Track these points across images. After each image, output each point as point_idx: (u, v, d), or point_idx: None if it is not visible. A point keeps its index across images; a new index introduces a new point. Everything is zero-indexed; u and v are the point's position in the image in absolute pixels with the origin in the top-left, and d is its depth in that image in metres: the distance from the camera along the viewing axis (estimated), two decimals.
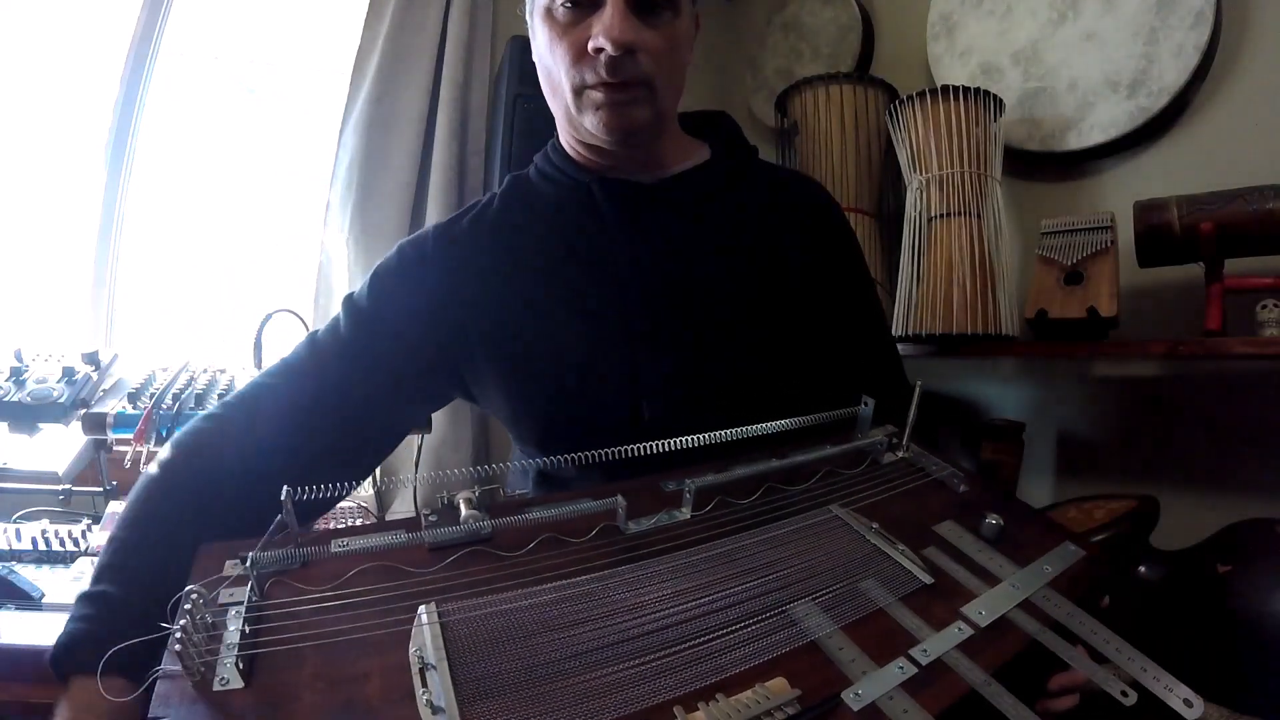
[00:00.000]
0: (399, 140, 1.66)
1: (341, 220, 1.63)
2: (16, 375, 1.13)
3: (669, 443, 0.57)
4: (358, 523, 1.35)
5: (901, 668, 0.45)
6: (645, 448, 0.56)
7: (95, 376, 1.16)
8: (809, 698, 0.42)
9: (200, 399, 1.13)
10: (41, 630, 0.78)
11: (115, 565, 0.57)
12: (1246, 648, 0.88)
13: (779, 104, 1.64)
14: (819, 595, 0.50)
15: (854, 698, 0.43)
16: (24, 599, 0.84)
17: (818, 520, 0.58)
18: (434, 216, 1.67)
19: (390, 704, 0.39)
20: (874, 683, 0.44)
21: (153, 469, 0.63)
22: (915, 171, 1.36)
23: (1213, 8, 1.17)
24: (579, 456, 0.55)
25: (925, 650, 0.46)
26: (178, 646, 0.39)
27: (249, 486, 0.53)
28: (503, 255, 0.76)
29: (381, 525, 0.53)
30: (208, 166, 1.76)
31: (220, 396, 1.13)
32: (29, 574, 0.89)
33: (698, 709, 0.39)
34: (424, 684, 0.39)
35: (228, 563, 0.47)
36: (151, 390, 1.14)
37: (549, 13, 0.69)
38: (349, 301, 0.77)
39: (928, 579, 0.52)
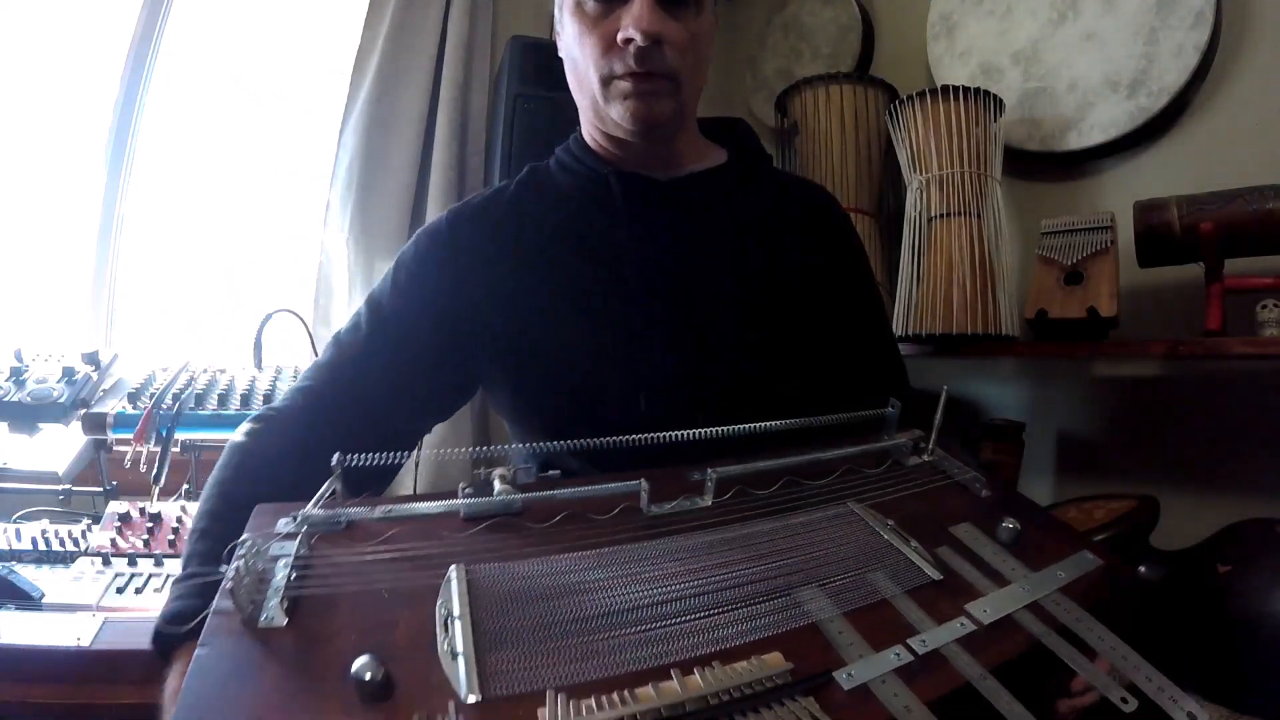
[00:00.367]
0: (399, 140, 1.66)
1: (341, 220, 1.63)
2: (16, 375, 1.13)
3: (687, 433, 0.59)
4: None
5: (898, 654, 0.46)
6: (662, 438, 0.57)
7: (95, 376, 1.16)
8: (802, 673, 0.43)
9: (200, 399, 1.13)
10: (41, 630, 0.78)
11: (202, 552, 0.61)
12: (1246, 648, 0.88)
13: (779, 104, 1.65)
14: (826, 582, 0.51)
15: (846, 677, 0.44)
16: (24, 599, 0.83)
17: (834, 514, 0.59)
18: (434, 216, 1.66)
19: (414, 649, 0.42)
20: (868, 666, 0.45)
21: (220, 471, 0.68)
22: (915, 171, 1.36)
23: (1213, 8, 1.17)
24: (588, 443, 0.57)
25: (924, 640, 0.47)
26: (229, 585, 0.43)
27: (301, 478, 0.56)
28: (513, 240, 0.78)
29: (422, 496, 0.57)
30: (208, 166, 1.76)
31: (220, 396, 1.13)
32: (29, 574, 0.88)
33: (694, 674, 0.41)
34: (446, 632, 0.43)
35: (281, 520, 0.52)
36: (151, 390, 1.14)
37: (579, 6, 0.72)
38: (369, 297, 0.80)
39: (936, 575, 0.53)
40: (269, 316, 1.32)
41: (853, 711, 0.42)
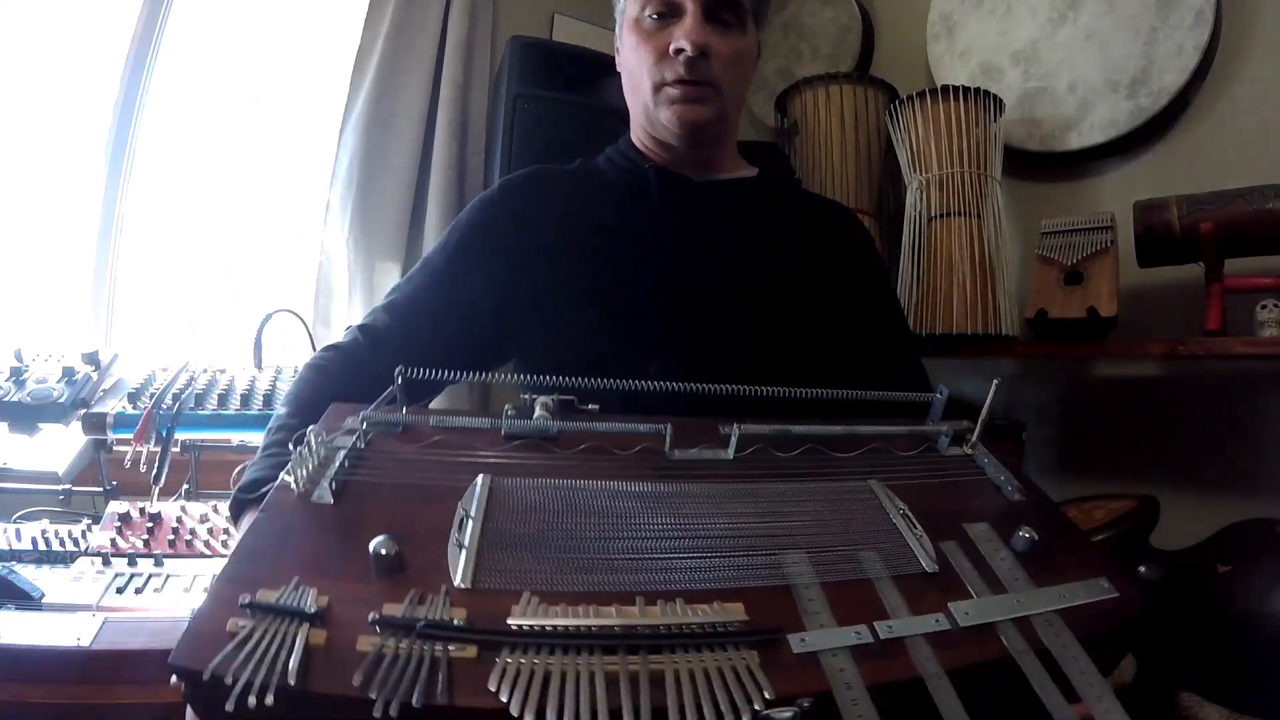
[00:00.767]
0: (399, 140, 1.66)
1: (341, 220, 1.63)
2: (16, 375, 1.13)
3: (722, 388, 0.60)
4: None
5: (859, 633, 0.45)
6: (696, 388, 0.60)
7: (95, 376, 1.16)
8: (756, 627, 0.44)
9: (200, 399, 1.13)
10: (41, 630, 0.78)
11: (280, 440, 0.69)
12: (1246, 648, 0.88)
13: (779, 104, 1.65)
14: (815, 550, 0.52)
15: (799, 642, 0.44)
16: (24, 599, 0.83)
17: (850, 488, 0.59)
18: (434, 216, 1.67)
19: (431, 538, 0.48)
20: (825, 636, 0.45)
21: (298, 385, 0.78)
22: (915, 171, 1.36)
23: (1213, 8, 1.17)
24: (623, 384, 0.60)
25: (890, 626, 0.46)
26: (293, 465, 0.51)
27: (364, 396, 0.63)
28: (554, 218, 0.84)
29: (472, 412, 0.63)
30: (208, 167, 1.75)
31: (220, 396, 1.13)
32: (29, 574, 0.88)
33: (655, 604, 0.45)
34: (459, 529, 0.49)
35: (348, 418, 0.60)
36: (151, 390, 1.14)
37: (637, 23, 0.82)
38: (426, 257, 0.88)
39: (930, 568, 0.52)
40: (269, 316, 1.32)
41: (791, 673, 0.43)
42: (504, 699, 0.38)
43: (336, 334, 1.52)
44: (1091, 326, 1.13)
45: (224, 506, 1.09)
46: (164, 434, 1.07)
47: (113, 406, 1.11)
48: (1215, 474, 1.19)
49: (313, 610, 0.41)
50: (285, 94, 1.82)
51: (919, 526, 0.55)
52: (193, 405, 1.11)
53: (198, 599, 0.82)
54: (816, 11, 1.83)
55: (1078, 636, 0.48)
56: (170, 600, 0.87)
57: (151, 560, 0.95)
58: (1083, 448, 1.38)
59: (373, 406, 0.60)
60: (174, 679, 0.40)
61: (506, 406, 0.61)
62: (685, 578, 0.48)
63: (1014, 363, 1.48)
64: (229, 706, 0.37)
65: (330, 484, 0.52)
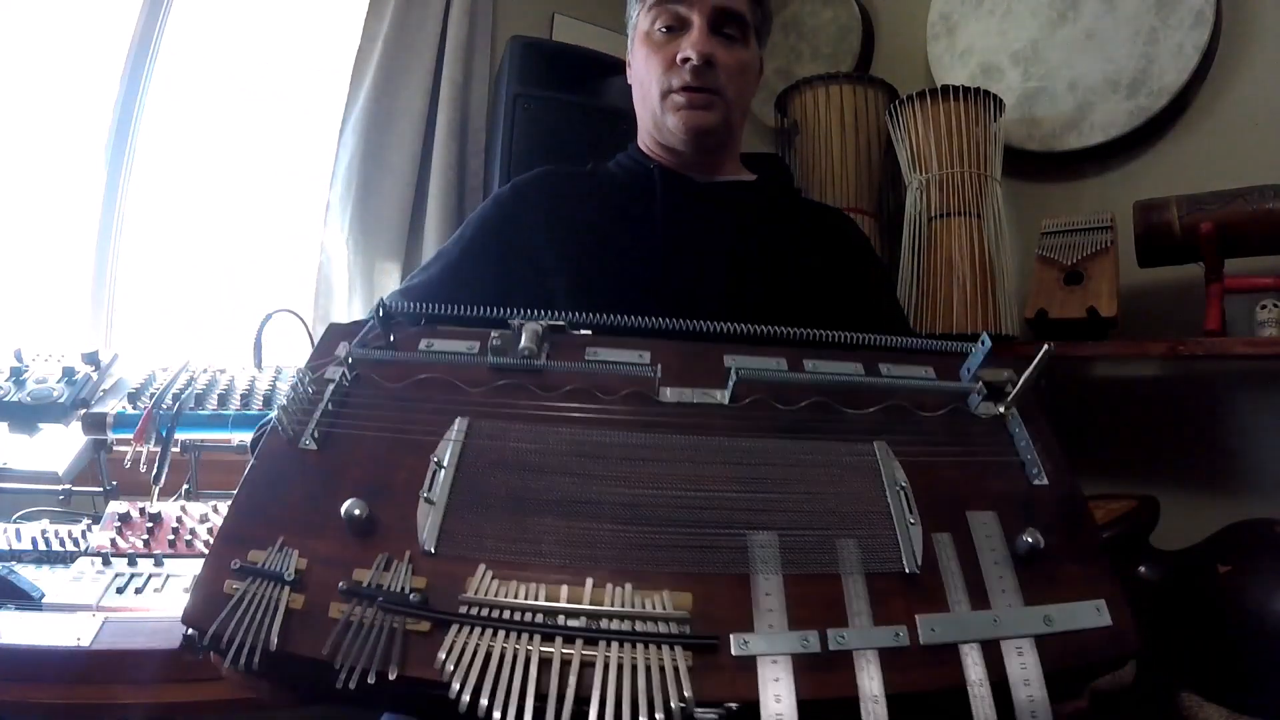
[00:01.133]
0: (399, 140, 1.66)
1: (341, 220, 1.63)
2: (16, 375, 1.13)
3: (733, 327, 0.58)
4: None
5: (806, 641, 0.44)
6: (703, 326, 0.58)
7: (95, 376, 1.16)
8: (700, 625, 0.44)
9: (200, 399, 1.13)
10: (41, 630, 0.78)
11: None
12: (1247, 648, 0.88)
13: (779, 104, 1.64)
14: (789, 533, 0.49)
15: (740, 644, 0.43)
16: (24, 599, 0.83)
17: (849, 453, 0.54)
18: (434, 216, 1.66)
19: (407, 490, 0.50)
20: (769, 640, 0.44)
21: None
22: (915, 171, 1.36)
23: (1213, 8, 1.17)
24: (639, 323, 0.58)
25: (843, 636, 0.44)
26: (283, 406, 0.54)
27: None
28: (561, 215, 0.87)
29: (462, 333, 0.61)
30: (208, 167, 1.75)
31: (220, 396, 1.13)
32: (29, 574, 0.88)
33: (605, 588, 0.45)
34: (431, 482, 0.50)
35: (341, 344, 0.59)
36: (151, 390, 1.14)
37: (647, 36, 0.87)
38: (443, 246, 0.91)
39: (911, 568, 0.48)
40: (269, 316, 1.32)
41: (722, 677, 0.42)
42: (447, 676, 0.41)
43: None
44: (1091, 326, 1.13)
45: (224, 507, 1.09)
46: (164, 434, 1.07)
47: (113, 406, 1.11)
48: (1215, 474, 1.19)
49: (292, 576, 0.45)
50: (285, 94, 1.81)
51: (914, 510, 0.50)
52: (193, 405, 1.11)
53: None
54: (816, 11, 1.82)
55: (1053, 669, 0.45)
56: (170, 600, 0.87)
57: (151, 560, 0.95)
58: (1083, 448, 1.37)
59: (356, 340, 0.60)
60: (189, 631, 0.46)
61: (493, 333, 0.58)
62: (646, 556, 0.47)
63: (1014, 362, 1.48)
64: (224, 668, 0.43)
65: (313, 432, 0.53)
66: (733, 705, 0.41)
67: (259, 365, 1.27)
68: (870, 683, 0.42)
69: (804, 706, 0.41)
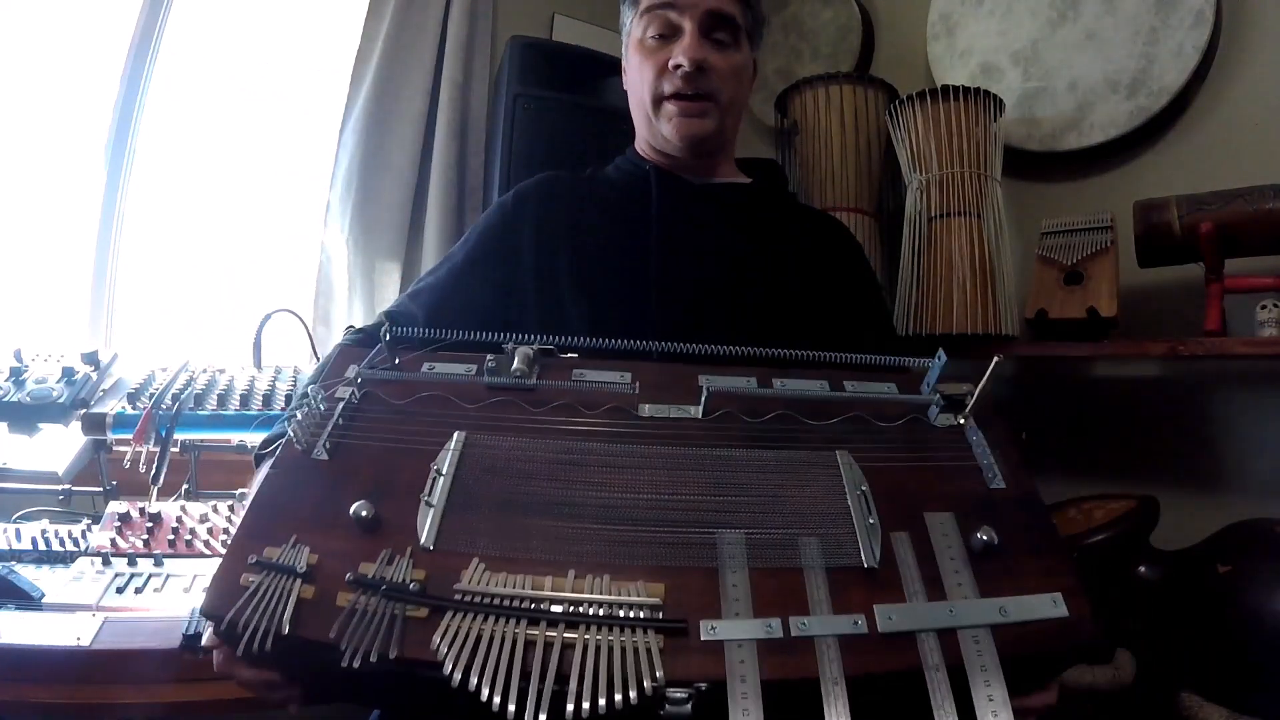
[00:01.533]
0: (399, 140, 1.66)
1: (341, 220, 1.63)
2: (16, 375, 1.13)
3: (708, 348, 0.62)
4: None
5: (770, 627, 0.47)
6: (682, 348, 0.62)
7: (95, 376, 1.16)
8: (671, 613, 0.48)
9: (200, 399, 1.13)
10: (41, 630, 0.78)
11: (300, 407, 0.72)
12: (1247, 648, 0.88)
13: (779, 104, 1.64)
14: (755, 532, 0.52)
15: (709, 629, 0.47)
16: (24, 599, 0.83)
17: (813, 460, 0.58)
18: (434, 216, 1.66)
19: (408, 493, 0.54)
20: (735, 627, 0.47)
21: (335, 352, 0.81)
22: (915, 171, 1.36)
23: (1213, 8, 1.17)
24: (618, 346, 0.63)
25: (804, 624, 0.47)
26: (297, 420, 0.58)
27: None
28: (560, 221, 0.88)
29: (461, 357, 0.66)
30: (208, 166, 1.75)
31: (220, 397, 1.13)
32: (29, 574, 0.88)
33: (585, 579, 0.49)
34: (431, 487, 0.55)
35: (350, 366, 0.65)
36: (151, 390, 1.14)
37: (640, 43, 0.88)
38: (450, 251, 0.92)
39: (869, 563, 0.51)
40: (269, 316, 1.32)
41: (692, 659, 0.45)
42: (441, 656, 0.44)
43: (336, 334, 1.53)
44: (1091, 326, 1.13)
45: (224, 506, 1.09)
46: (163, 434, 1.07)
47: (112, 406, 1.11)
48: (1215, 474, 1.19)
49: (304, 569, 0.50)
50: (285, 94, 1.81)
51: (874, 512, 0.54)
52: (192, 405, 1.11)
53: (198, 599, 0.82)
54: (816, 11, 1.82)
55: (1010, 655, 0.46)
56: (170, 600, 0.87)
57: (151, 560, 0.95)
58: (1083, 448, 1.37)
59: (365, 362, 0.65)
60: (205, 623, 0.50)
61: (488, 357, 0.64)
62: (620, 552, 0.51)
63: (1014, 362, 1.48)
64: (239, 651, 0.46)
65: (325, 443, 0.58)
66: (702, 685, 0.44)
67: (259, 365, 1.27)
68: (830, 665, 0.45)
69: (768, 686, 0.44)
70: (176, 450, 1.10)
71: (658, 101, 0.87)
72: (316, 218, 1.67)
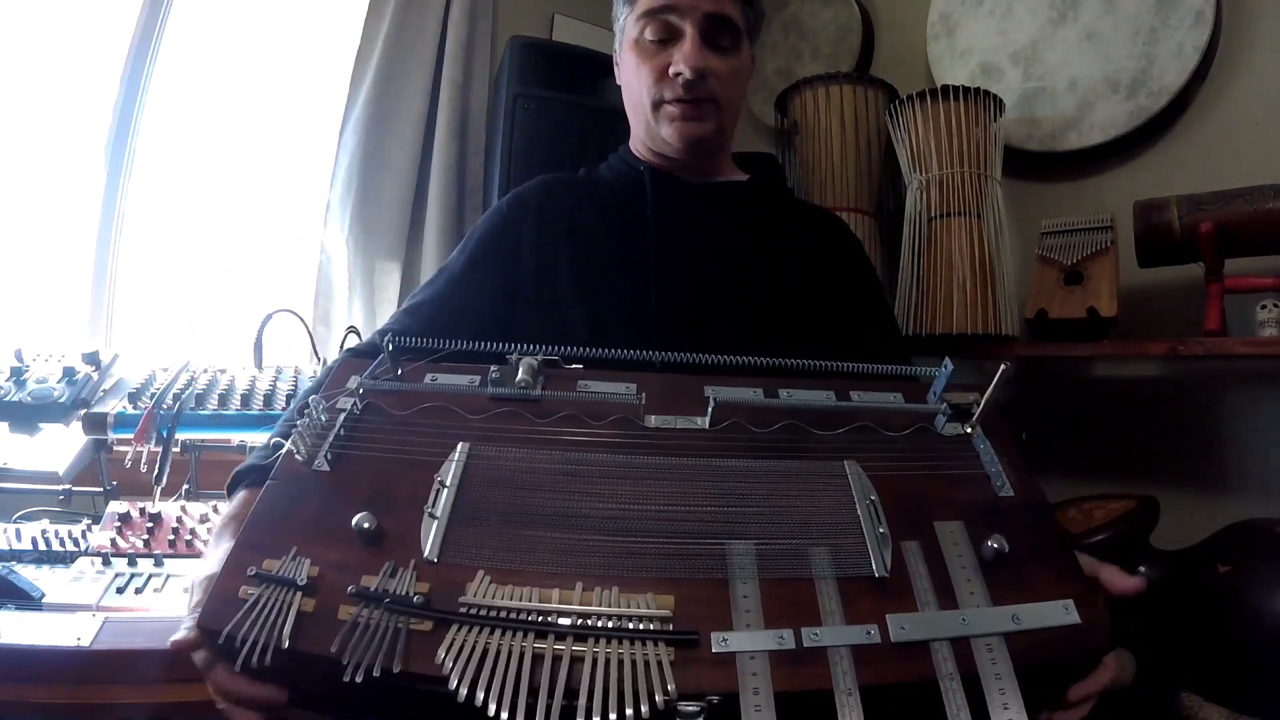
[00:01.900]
0: (399, 140, 1.66)
1: (341, 220, 1.63)
2: (16, 375, 1.13)
3: (712, 358, 0.61)
4: None
5: (782, 638, 0.46)
6: (685, 358, 0.61)
7: (95, 376, 1.16)
8: (681, 625, 0.46)
9: (200, 399, 1.13)
10: (41, 630, 0.78)
11: (283, 433, 0.70)
12: (1247, 648, 0.88)
13: (779, 104, 1.64)
14: (764, 542, 0.51)
15: (720, 641, 0.46)
16: (24, 599, 0.83)
17: (822, 470, 0.57)
18: (434, 217, 1.67)
19: (410, 504, 0.53)
20: (747, 638, 0.46)
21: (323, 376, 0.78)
22: (915, 171, 1.36)
23: (1213, 8, 1.17)
24: (619, 356, 0.61)
25: (816, 634, 0.46)
26: (299, 431, 0.57)
27: None
28: (555, 226, 0.86)
29: (464, 368, 0.65)
30: (208, 166, 1.75)
31: (221, 397, 1.13)
32: (29, 574, 0.88)
33: (594, 591, 0.48)
34: (435, 498, 0.53)
35: (352, 377, 0.64)
36: (152, 390, 1.14)
37: (637, 43, 0.85)
38: (446, 262, 0.90)
39: (881, 572, 0.50)
40: (269, 316, 1.32)
41: (703, 671, 0.44)
42: (446, 671, 0.43)
43: (337, 334, 1.53)
44: (1091, 326, 1.13)
45: (224, 507, 1.08)
46: (164, 434, 1.07)
47: (113, 406, 1.11)
48: (1215, 474, 1.19)
49: (304, 582, 0.48)
50: (285, 95, 1.81)
51: (883, 522, 0.53)
52: (193, 405, 1.11)
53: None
54: (816, 11, 1.83)
55: (1023, 664, 0.46)
56: (170, 600, 0.87)
57: (151, 560, 0.95)
58: (1083, 448, 1.38)
59: (367, 373, 0.64)
60: (197, 635, 0.49)
61: (492, 368, 0.63)
62: (632, 564, 0.50)
63: (1014, 363, 1.48)
64: (237, 665, 0.45)
65: (326, 454, 0.57)
66: (714, 697, 0.43)
67: (259, 365, 1.27)
68: (844, 676, 0.45)
69: (781, 698, 0.43)
70: (177, 450, 1.10)
71: (657, 105, 0.85)
72: (316, 218, 1.67)
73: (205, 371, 1.22)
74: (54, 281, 1.61)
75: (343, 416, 0.60)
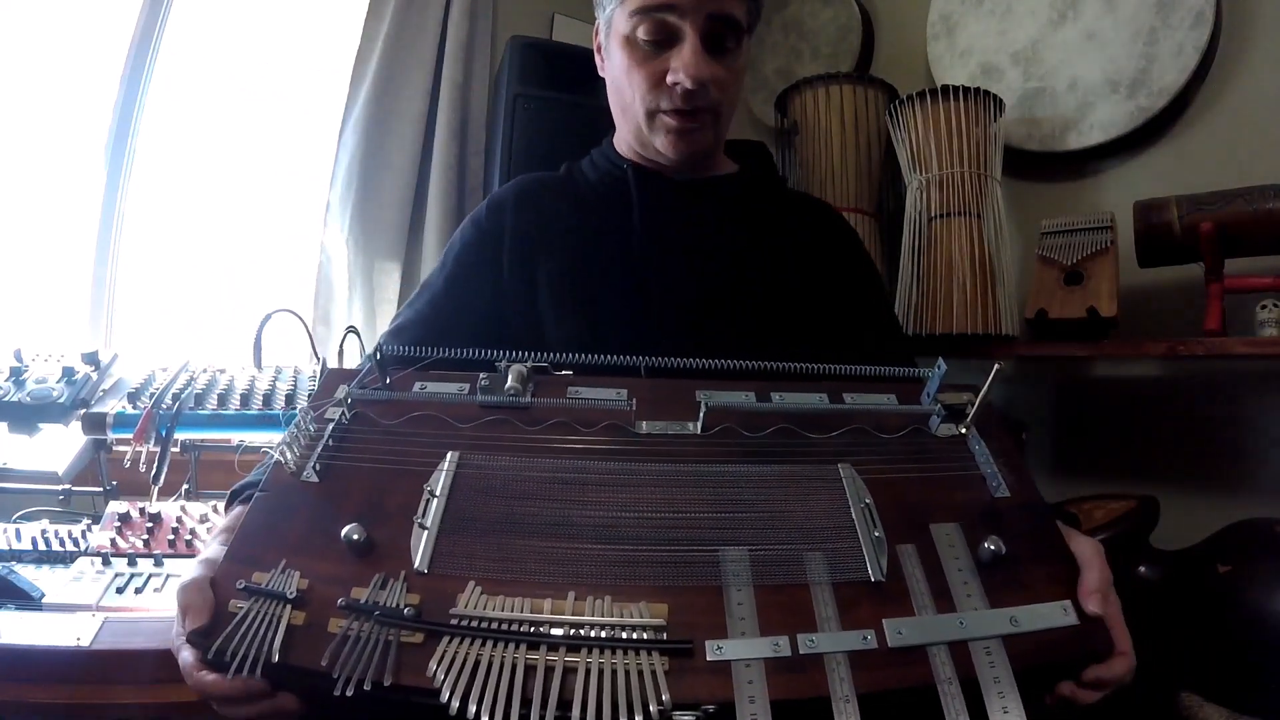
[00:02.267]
0: (399, 140, 1.66)
1: (341, 220, 1.63)
2: (16, 375, 1.13)
3: (706, 363, 0.60)
4: None
5: (777, 645, 0.46)
6: (677, 363, 0.60)
7: (95, 376, 1.16)
8: (675, 633, 0.46)
9: (200, 399, 1.13)
10: (41, 630, 0.78)
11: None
12: (1247, 648, 0.88)
13: (779, 104, 1.64)
14: (759, 548, 0.51)
15: (715, 650, 0.45)
16: (24, 599, 0.83)
17: (816, 474, 0.57)
18: (434, 217, 1.67)
19: (400, 514, 0.53)
20: (742, 646, 0.45)
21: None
22: (915, 171, 1.36)
23: (1213, 8, 1.17)
24: (611, 361, 0.61)
25: (813, 641, 0.46)
26: (286, 442, 0.57)
27: None
28: (537, 229, 0.84)
29: (453, 376, 0.64)
30: (207, 167, 1.75)
31: (220, 396, 1.13)
32: (29, 574, 0.88)
33: (586, 601, 0.48)
34: (425, 508, 0.53)
35: (341, 386, 0.62)
36: (151, 390, 1.14)
37: (629, 41, 0.77)
38: (427, 277, 0.88)
39: (876, 576, 0.50)
40: (269, 316, 1.32)
41: (698, 680, 0.44)
42: (438, 683, 0.43)
43: (336, 334, 1.53)
44: (1091, 326, 1.13)
45: (224, 507, 1.08)
46: (164, 434, 1.07)
47: (113, 406, 1.11)
48: (1215, 474, 1.19)
49: (293, 595, 0.48)
50: (285, 94, 1.81)
51: (878, 525, 0.53)
52: (192, 405, 1.11)
53: None
54: (816, 11, 1.82)
55: (1022, 666, 0.46)
56: (170, 600, 0.86)
57: (151, 560, 0.95)
58: (1082, 448, 1.37)
59: (355, 381, 0.63)
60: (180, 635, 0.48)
61: (481, 375, 0.62)
62: (623, 572, 0.50)
63: (1014, 363, 1.48)
64: (228, 678, 0.45)
65: (315, 465, 0.56)
66: (710, 707, 0.43)
67: (259, 365, 1.27)
68: (841, 683, 0.44)
69: (777, 707, 0.43)
70: (177, 450, 1.10)
71: (652, 115, 0.79)
72: (316, 218, 1.67)
73: (205, 371, 1.22)
74: (54, 281, 1.61)
75: (331, 427, 0.59)
